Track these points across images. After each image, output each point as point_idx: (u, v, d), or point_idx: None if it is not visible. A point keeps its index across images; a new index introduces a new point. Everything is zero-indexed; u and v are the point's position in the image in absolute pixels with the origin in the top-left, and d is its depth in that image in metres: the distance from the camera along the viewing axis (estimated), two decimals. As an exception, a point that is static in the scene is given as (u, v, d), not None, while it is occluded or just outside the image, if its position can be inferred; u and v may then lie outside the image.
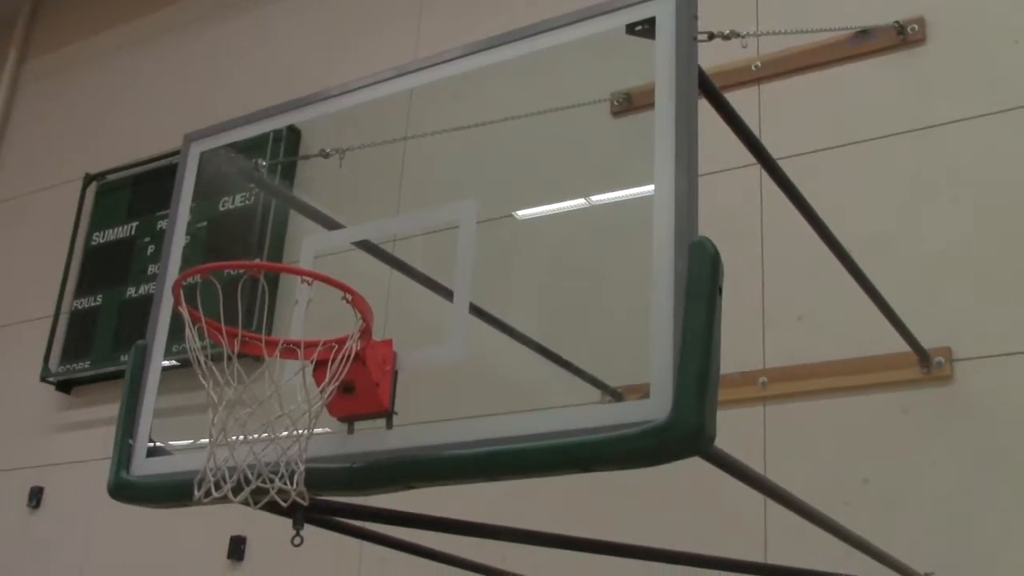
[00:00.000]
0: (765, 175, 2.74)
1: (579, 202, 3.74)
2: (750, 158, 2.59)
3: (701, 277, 1.89)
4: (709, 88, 2.19)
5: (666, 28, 2.08)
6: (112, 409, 5.10)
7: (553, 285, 3.68)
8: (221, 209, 4.96)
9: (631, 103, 3.85)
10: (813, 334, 3.53)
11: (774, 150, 2.71)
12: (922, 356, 3.25)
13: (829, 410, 3.43)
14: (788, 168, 2.71)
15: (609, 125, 3.92)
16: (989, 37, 3.58)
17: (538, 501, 3.56)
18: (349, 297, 2.04)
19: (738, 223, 3.70)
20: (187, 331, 2.02)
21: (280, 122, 2.69)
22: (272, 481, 1.98)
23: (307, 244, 2.47)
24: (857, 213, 3.52)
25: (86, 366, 5.40)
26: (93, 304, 5.53)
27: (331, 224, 2.82)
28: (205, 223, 4.75)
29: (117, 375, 5.12)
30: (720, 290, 1.90)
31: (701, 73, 2.08)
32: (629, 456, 1.88)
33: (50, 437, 5.52)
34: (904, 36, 3.66)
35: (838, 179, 3.63)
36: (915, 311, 3.18)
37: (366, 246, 2.77)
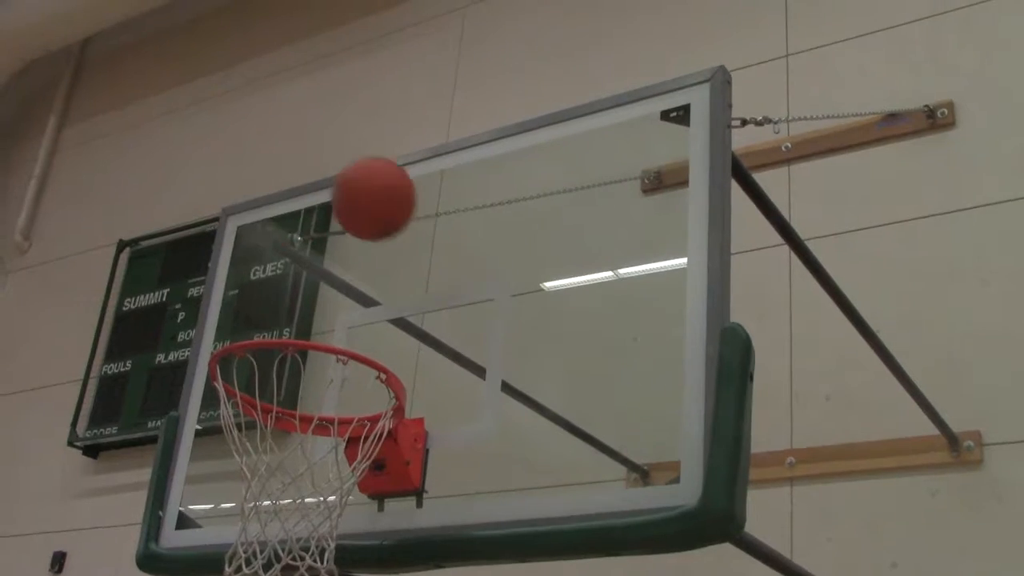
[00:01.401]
0: (794, 255, 2.76)
1: (607, 275, 3.76)
2: (779, 238, 2.61)
3: (733, 363, 1.90)
4: (742, 173, 2.22)
5: (700, 115, 2.12)
6: (138, 475, 5.12)
7: (579, 360, 3.68)
8: (252, 278, 5.00)
9: (661, 181, 3.88)
10: (841, 415, 3.51)
11: (803, 230, 2.73)
12: (951, 439, 3.23)
13: (857, 492, 3.40)
14: (817, 249, 2.72)
15: (639, 202, 3.95)
16: (1019, 122, 3.60)
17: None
18: (383, 376, 2.06)
19: (766, 302, 3.70)
20: (222, 406, 2.04)
21: (315, 199, 2.74)
22: (303, 558, 1.99)
23: (341, 322, 2.49)
24: (886, 295, 3.52)
25: (114, 431, 5.39)
26: (123, 369, 5.55)
27: (363, 298, 2.85)
28: (236, 291, 4.78)
29: (145, 441, 5.14)
30: (751, 376, 1.91)
31: (734, 159, 2.11)
32: (660, 541, 1.88)
33: (75, 502, 5.52)
34: (934, 120, 3.68)
35: (867, 260, 3.64)
36: (944, 394, 3.17)
37: (398, 321, 2.79)
